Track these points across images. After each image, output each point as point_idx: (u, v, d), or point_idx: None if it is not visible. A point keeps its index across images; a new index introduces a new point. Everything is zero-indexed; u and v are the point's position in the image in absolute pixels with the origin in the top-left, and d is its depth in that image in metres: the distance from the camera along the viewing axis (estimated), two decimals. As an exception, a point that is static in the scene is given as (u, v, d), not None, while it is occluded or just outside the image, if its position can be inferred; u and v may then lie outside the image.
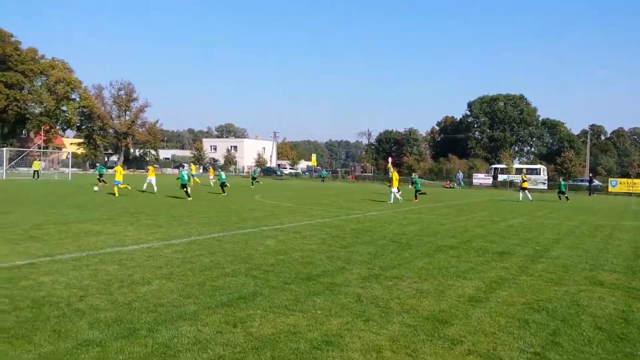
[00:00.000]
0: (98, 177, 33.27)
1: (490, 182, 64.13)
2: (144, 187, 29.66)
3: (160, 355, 4.60)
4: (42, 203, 19.48)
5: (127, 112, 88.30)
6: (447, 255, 10.54)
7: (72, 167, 49.47)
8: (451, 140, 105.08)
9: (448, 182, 64.71)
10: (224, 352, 4.73)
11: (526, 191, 33.19)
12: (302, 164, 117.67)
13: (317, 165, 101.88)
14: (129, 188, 27.74)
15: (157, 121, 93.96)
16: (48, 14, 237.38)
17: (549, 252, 11.35)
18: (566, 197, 34.57)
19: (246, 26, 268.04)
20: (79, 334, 5.04)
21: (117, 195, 24.77)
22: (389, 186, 27.38)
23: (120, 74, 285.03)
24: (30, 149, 63.69)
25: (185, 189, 24.87)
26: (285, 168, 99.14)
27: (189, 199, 23.72)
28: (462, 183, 60.86)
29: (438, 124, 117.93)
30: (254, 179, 46.63)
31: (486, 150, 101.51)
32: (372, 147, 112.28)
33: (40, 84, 75.54)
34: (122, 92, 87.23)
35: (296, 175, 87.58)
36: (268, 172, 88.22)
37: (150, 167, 29.98)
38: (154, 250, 9.95)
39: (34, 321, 5.37)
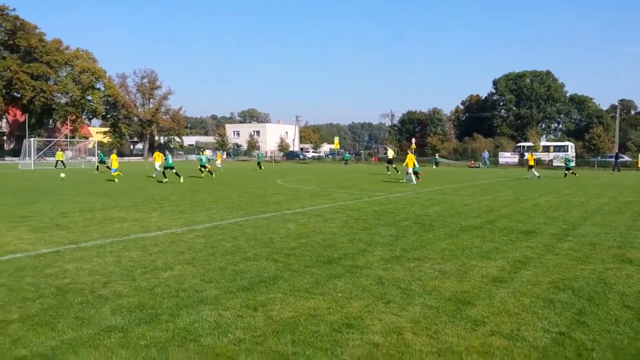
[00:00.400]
0: (98, 162, 37.63)
1: (517, 160, 63.12)
2: (154, 175, 29.85)
3: (181, 340, 4.62)
4: (68, 191, 19.83)
5: (151, 100, 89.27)
6: (470, 235, 10.39)
7: (146, 156, 50.17)
8: (476, 119, 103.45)
9: (473, 161, 63.96)
10: (244, 336, 4.74)
11: (533, 169, 33.02)
12: (325, 147, 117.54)
13: (340, 148, 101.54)
14: (121, 175, 28.20)
15: (180, 108, 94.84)
16: (71, 4, 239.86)
17: (576, 230, 11.11)
18: (573, 173, 34.51)
19: (266, 10, 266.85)
20: (102, 320, 5.10)
21: (116, 181, 25.75)
22: (404, 166, 27.16)
23: (143, 62, 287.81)
24: (57, 139, 64.90)
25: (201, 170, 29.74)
26: (308, 151, 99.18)
27: (180, 179, 25.79)
28: (488, 162, 60.10)
29: (462, 103, 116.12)
30: (258, 163, 46.98)
31: (512, 128, 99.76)
32: (395, 128, 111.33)
33: (65, 74, 76.58)
34: (145, 80, 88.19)
35: (319, 158, 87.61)
36: (290, 155, 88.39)
37: (157, 153, 30.48)
38: (176, 235, 10.04)
39: (57, 308, 5.45)
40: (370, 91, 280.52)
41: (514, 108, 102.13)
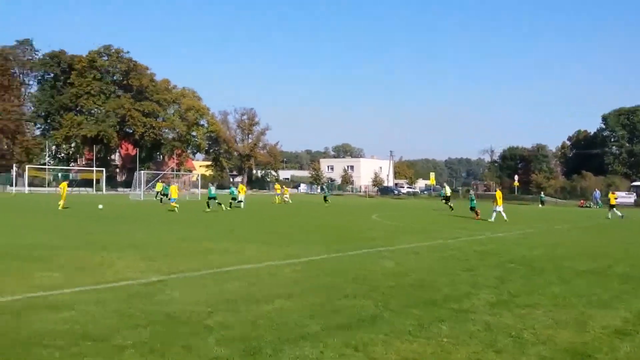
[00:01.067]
0: (162, 195, 38.75)
1: (632, 200, 58.31)
2: (242, 205, 33.43)
3: (284, 377, 4.57)
4: (173, 222, 20.90)
5: (250, 136, 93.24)
6: (586, 281, 9.59)
7: (201, 187, 52.80)
8: (585, 156, 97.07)
9: (583, 200, 59.86)
10: (346, 378, 4.58)
11: (614, 209, 31.65)
12: (420, 183, 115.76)
13: (436, 184, 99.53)
14: (177, 207, 28.44)
15: (277, 143, 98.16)
16: (177, 46, 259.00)
17: None
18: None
19: (361, 47, 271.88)
20: (208, 351, 5.17)
21: (176, 211, 27.02)
22: (493, 203, 26.26)
23: (242, 99, 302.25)
24: (165, 172, 69.24)
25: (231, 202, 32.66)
26: (403, 187, 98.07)
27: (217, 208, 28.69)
28: (600, 202, 56.01)
29: (569, 138, 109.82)
30: (324, 198, 45.28)
31: (626, 166, 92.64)
32: (496, 164, 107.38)
33: (172, 111, 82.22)
34: (245, 117, 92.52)
35: (414, 194, 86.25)
36: (385, 191, 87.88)
37: (241, 185, 35.45)
38: (274, 268, 10.15)
39: (166, 336, 5.62)
40: (468, 126, 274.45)
41: (627, 144, 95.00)
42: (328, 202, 42.89)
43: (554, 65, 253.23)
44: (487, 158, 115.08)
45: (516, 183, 74.92)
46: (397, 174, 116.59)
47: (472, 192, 37.78)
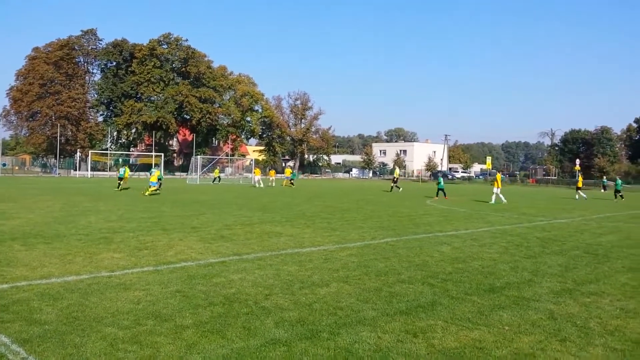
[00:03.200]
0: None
1: None
2: (258, 184, 39.00)
3: (342, 360, 4.56)
4: (230, 205, 21.31)
5: (303, 120, 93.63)
6: (656, 270, 9.09)
7: (247, 172, 53.72)
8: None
9: (648, 186, 56.88)
10: (405, 364, 4.53)
11: (580, 191, 34.76)
12: (476, 167, 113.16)
13: (493, 169, 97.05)
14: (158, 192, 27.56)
15: (329, 128, 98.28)
16: (235, 34, 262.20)
17: None
18: (621, 196, 34.24)
19: (415, 31, 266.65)
20: (267, 332, 5.23)
21: (147, 195, 25.91)
22: (493, 185, 27.95)
23: (296, 84, 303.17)
24: (220, 157, 70.76)
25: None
26: (457, 171, 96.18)
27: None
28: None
29: (636, 120, 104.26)
30: (290, 180, 44.35)
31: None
32: (556, 148, 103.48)
33: (228, 97, 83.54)
34: (298, 102, 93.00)
35: (469, 179, 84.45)
36: (438, 175, 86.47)
37: (256, 169, 41.08)
38: (330, 252, 10.16)
39: (226, 317, 5.73)
40: (526, 108, 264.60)
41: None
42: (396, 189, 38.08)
43: (619, 43, 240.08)
44: (547, 141, 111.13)
45: (577, 167, 71.94)
46: (451, 158, 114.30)
47: (440, 176, 40.93)
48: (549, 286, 7.64)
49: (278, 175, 51.53)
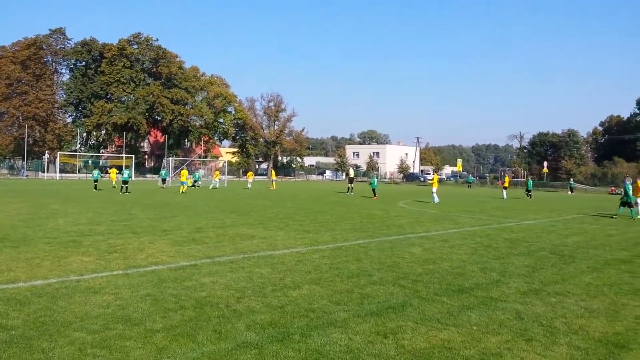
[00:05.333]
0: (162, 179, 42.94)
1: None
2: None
3: (313, 362, 4.59)
4: (201, 208, 21.15)
5: (276, 122, 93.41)
6: (618, 270, 9.39)
7: (227, 174, 53.24)
8: (617, 142, 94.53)
9: (614, 187, 58.57)
10: (375, 364, 4.58)
11: (504, 190, 38.56)
12: (447, 170, 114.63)
13: (463, 171, 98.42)
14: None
15: (302, 129, 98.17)
16: (206, 34, 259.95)
17: None
18: (529, 196, 38.10)
19: (387, 34, 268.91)
20: (238, 335, 5.23)
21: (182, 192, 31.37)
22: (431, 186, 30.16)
23: (270, 86, 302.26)
24: (192, 159, 70.03)
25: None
26: (429, 173, 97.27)
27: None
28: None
29: (601, 124, 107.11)
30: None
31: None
32: (525, 150, 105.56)
33: (201, 99, 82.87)
34: (271, 104, 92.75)
35: (440, 181, 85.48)
36: (411, 177, 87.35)
37: (216, 172, 43.55)
38: (302, 254, 10.19)
39: (197, 320, 5.70)
40: (495, 111, 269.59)
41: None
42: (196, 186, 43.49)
43: (585, 49, 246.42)
44: (516, 144, 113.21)
45: (545, 169, 73.57)
46: (423, 161, 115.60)
47: (374, 176, 45.27)
48: (516, 286, 7.81)
49: (257, 177, 51.64)
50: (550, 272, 9.10)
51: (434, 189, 28.89)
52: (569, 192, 54.34)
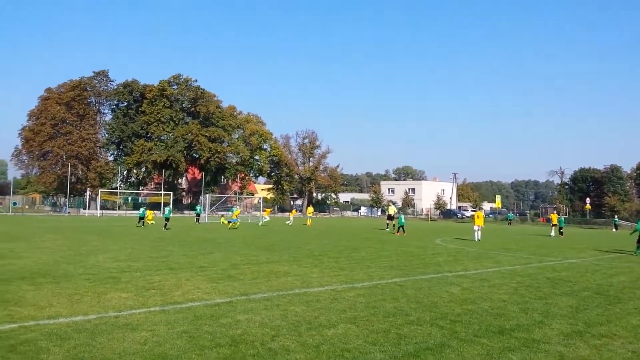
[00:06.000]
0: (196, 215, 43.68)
1: None
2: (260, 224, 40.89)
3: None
4: (237, 244, 21.28)
5: (311, 159, 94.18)
6: (669, 312, 8.95)
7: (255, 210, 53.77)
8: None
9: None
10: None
11: (553, 228, 36.49)
12: (485, 206, 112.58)
13: (502, 207, 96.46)
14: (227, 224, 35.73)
15: (337, 166, 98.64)
16: (243, 73, 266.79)
17: None
18: (561, 233, 35.91)
19: (422, 69, 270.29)
20: (272, 375, 5.18)
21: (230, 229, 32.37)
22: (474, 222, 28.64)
23: (305, 123, 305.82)
24: (228, 195, 70.99)
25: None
26: (467, 210, 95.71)
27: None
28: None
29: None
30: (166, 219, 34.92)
31: None
32: (566, 186, 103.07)
33: (237, 136, 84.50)
34: (306, 140, 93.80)
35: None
36: (448, 214, 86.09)
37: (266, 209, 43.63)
38: (337, 292, 10.09)
39: (232, 358, 5.68)
40: (535, 147, 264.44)
41: None
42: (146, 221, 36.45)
43: (627, 81, 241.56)
44: (557, 180, 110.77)
45: (588, 206, 71.51)
46: (460, 197, 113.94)
47: (401, 212, 44.51)
48: (559, 328, 7.53)
49: (299, 214, 51.97)
50: (595, 313, 8.74)
51: (476, 227, 27.76)
52: (614, 230, 52.50)
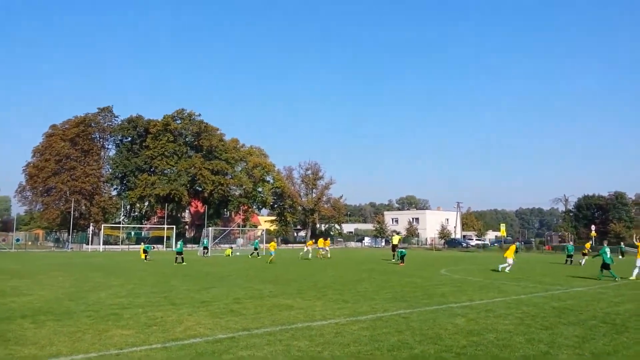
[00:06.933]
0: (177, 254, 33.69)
1: None
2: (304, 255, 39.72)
3: None
4: (240, 278, 21.16)
5: (314, 190, 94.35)
6: (678, 341, 8.81)
7: (265, 243, 53.41)
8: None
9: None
10: None
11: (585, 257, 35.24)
12: (490, 235, 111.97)
13: (507, 236, 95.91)
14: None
15: (340, 196, 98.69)
16: (246, 107, 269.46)
17: None
18: (571, 261, 35.55)
19: (425, 100, 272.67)
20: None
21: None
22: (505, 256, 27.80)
23: (307, 154, 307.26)
24: (232, 228, 70.88)
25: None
26: (471, 239, 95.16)
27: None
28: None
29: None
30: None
31: None
32: (571, 214, 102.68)
33: (240, 169, 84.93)
34: (309, 172, 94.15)
35: (483, 246, 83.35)
36: (452, 243, 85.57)
37: (272, 242, 40.66)
38: (341, 326, 9.99)
39: (233, 396, 5.60)
40: (539, 175, 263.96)
41: None
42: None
43: (630, 107, 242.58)
44: (561, 207, 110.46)
45: (593, 233, 71.04)
46: (465, 226, 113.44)
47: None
48: (566, 359, 7.43)
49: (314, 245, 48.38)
50: (602, 342, 8.62)
51: (510, 260, 26.65)
52: (620, 257, 52.01)
